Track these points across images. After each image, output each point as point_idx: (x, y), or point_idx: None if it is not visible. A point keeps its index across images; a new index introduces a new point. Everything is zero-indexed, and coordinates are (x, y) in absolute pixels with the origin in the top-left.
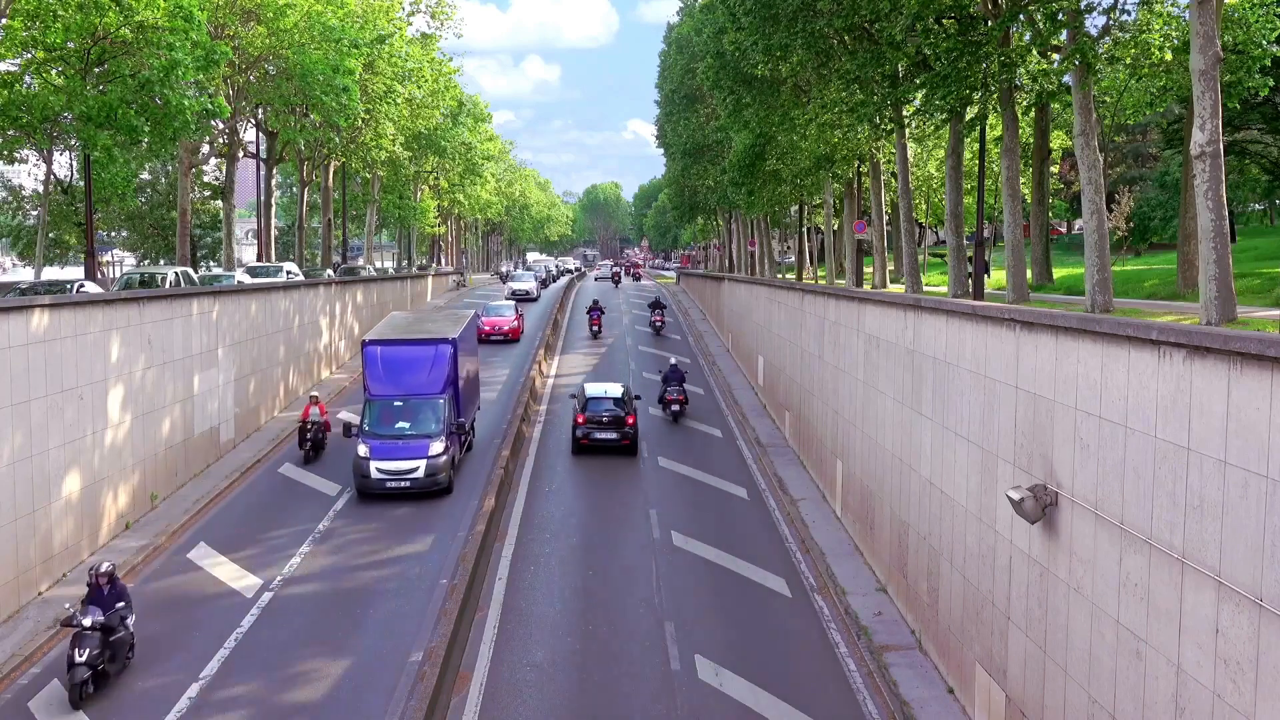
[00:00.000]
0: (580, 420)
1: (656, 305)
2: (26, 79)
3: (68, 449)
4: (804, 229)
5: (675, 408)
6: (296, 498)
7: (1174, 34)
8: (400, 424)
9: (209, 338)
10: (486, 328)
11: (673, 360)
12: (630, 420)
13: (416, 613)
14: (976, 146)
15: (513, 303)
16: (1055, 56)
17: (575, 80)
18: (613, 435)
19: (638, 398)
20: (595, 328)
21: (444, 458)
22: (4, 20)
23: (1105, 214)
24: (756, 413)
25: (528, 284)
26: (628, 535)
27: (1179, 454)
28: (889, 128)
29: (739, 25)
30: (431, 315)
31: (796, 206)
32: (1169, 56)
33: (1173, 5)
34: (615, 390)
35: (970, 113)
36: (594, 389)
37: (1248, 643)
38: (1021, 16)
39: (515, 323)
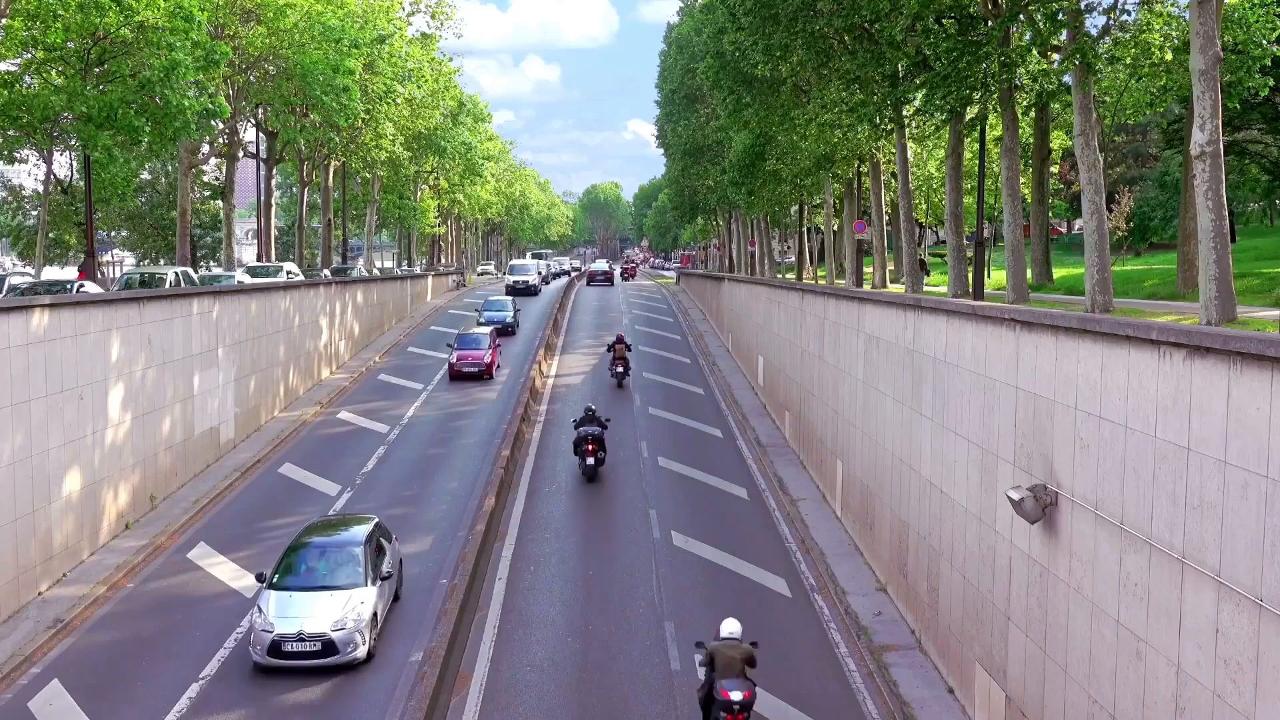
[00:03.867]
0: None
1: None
2: (26, 79)
3: (68, 449)
4: (804, 229)
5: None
6: (297, 497)
7: (1174, 34)
8: None
9: (209, 338)
10: None
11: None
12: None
13: (416, 613)
14: (976, 146)
15: None
16: (1055, 56)
17: (575, 80)
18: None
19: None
20: None
21: None
22: (4, 20)
23: (1105, 214)
24: (756, 413)
25: None
26: (628, 535)
27: (1179, 454)
28: (889, 128)
29: (739, 25)
30: None
31: (796, 206)
32: (1169, 56)
33: (1173, 5)
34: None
35: (970, 113)
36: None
37: (1248, 643)
38: (1021, 16)
39: None
